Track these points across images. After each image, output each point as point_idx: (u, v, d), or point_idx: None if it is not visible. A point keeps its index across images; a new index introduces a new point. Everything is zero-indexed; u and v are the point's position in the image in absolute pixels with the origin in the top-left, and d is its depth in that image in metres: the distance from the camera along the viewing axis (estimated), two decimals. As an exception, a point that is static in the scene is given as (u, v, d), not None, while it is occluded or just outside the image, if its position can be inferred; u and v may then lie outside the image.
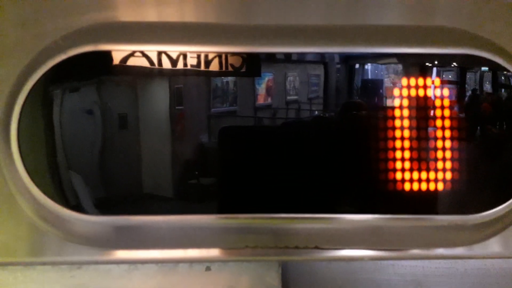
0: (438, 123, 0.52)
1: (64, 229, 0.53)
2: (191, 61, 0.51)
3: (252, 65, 0.52)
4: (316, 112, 0.54)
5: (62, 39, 0.51)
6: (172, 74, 0.52)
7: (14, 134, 0.50)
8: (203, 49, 0.51)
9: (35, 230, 0.54)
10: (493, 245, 0.57)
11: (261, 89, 0.53)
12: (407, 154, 0.52)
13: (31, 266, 0.60)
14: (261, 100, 0.53)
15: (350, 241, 0.55)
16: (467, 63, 0.53)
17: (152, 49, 0.51)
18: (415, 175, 0.52)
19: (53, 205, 0.51)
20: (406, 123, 0.52)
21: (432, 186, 0.52)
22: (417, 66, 0.53)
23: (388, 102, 0.52)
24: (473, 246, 0.56)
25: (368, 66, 0.53)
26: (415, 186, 0.52)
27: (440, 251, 0.56)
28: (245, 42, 0.51)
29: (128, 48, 0.50)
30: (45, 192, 0.51)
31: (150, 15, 0.53)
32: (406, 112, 0.52)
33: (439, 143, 0.52)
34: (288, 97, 0.53)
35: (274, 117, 0.54)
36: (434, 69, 0.52)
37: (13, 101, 0.50)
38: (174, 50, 0.51)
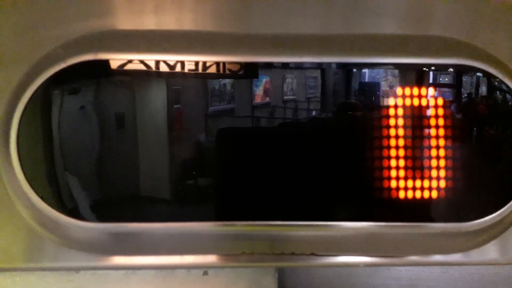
0: (433, 132, 0.52)
1: (62, 235, 0.54)
2: (189, 66, 0.52)
3: (250, 70, 0.53)
4: (313, 116, 0.54)
5: (62, 47, 0.52)
6: (170, 78, 0.52)
7: (13, 140, 0.50)
8: (201, 58, 0.51)
9: (33, 236, 0.54)
10: (489, 251, 0.57)
11: (259, 90, 0.53)
12: (402, 163, 0.53)
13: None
14: (258, 102, 0.54)
15: (346, 247, 0.55)
16: (461, 72, 0.53)
17: (151, 58, 0.51)
18: (411, 183, 0.53)
19: (52, 212, 0.52)
20: (401, 131, 0.52)
21: (426, 194, 0.53)
22: (411, 74, 0.53)
23: (383, 112, 0.52)
24: (468, 252, 0.57)
25: (364, 73, 0.54)
26: (411, 194, 0.53)
27: (436, 257, 0.57)
28: (243, 51, 0.52)
29: (126, 57, 0.51)
30: (43, 199, 0.51)
31: (149, 23, 0.54)
32: (401, 121, 0.52)
33: (434, 152, 0.53)
34: (285, 97, 0.54)
35: (272, 121, 0.54)
36: (428, 78, 0.53)
37: (13, 109, 0.50)
38: (172, 59, 0.51)
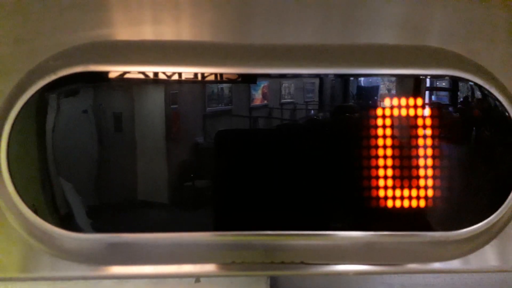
0: (427, 141, 0.53)
1: (54, 247, 0.53)
2: (186, 76, 0.52)
3: (248, 78, 0.53)
4: (308, 123, 0.54)
5: (53, 59, 0.52)
6: (167, 84, 0.52)
7: (3, 152, 0.50)
8: (198, 70, 0.51)
9: (25, 247, 0.54)
10: (487, 258, 0.57)
11: (257, 94, 0.54)
12: (390, 172, 0.53)
13: (21, 280, 0.60)
14: (256, 104, 0.54)
15: (336, 256, 0.55)
16: (451, 83, 0.53)
17: (142, 70, 0.51)
18: (402, 192, 0.53)
19: (43, 223, 0.52)
20: (390, 141, 0.53)
21: (415, 203, 0.53)
22: (403, 84, 0.53)
23: (372, 122, 0.53)
24: (463, 259, 0.57)
25: (355, 82, 0.54)
26: (405, 204, 0.53)
27: (424, 265, 0.57)
28: (240, 63, 0.52)
29: (118, 68, 0.51)
30: (34, 210, 0.51)
31: (145, 34, 0.53)
32: (392, 131, 0.53)
33: (422, 162, 0.53)
34: (282, 101, 0.54)
35: (267, 129, 0.54)
36: (418, 88, 0.53)
37: (3, 120, 0.50)
38: (165, 70, 0.51)
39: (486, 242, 0.56)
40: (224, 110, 0.53)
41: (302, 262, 0.55)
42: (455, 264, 0.57)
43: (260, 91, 0.53)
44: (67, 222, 0.52)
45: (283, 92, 0.54)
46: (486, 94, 0.53)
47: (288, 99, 0.54)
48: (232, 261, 0.55)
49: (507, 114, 0.52)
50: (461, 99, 0.53)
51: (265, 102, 0.53)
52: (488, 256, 0.57)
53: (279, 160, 0.53)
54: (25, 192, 0.51)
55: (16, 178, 0.51)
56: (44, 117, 0.52)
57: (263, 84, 0.53)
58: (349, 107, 0.54)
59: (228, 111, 0.53)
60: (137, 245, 0.54)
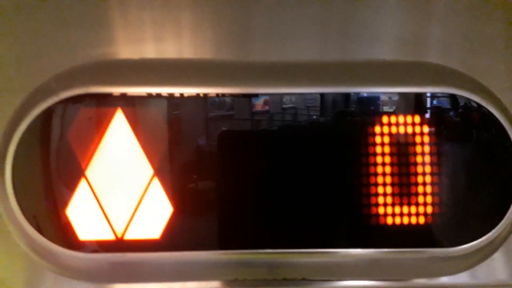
0: (425, 158, 0.53)
1: (58, 264, 0.54)
2: (188, 95, 0.53)
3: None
4: (311, 138, 0.54)
5: (54, 80, 0.52)
6: (171, 98, 0.52)
7: (8, 172, 0.51)
8: (199, 90, 0.52)
9: (30, 265, 0.55)
10: (493, 271, 0.57)
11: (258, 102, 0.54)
12: (389, 189, 0.53)
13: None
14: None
15: (339, 273, 0.56)
16: (448, 101, 0.54)
17: (144, 91, 0.52)
18: (403, 209, 0.53)
19: (47, 243, 0.52)
20: (394, 159, 0.53)
21: (414, 220, 0.53)
22: (402, 102, 0.54)
23: (370, 140, 0.53)
24: (471, 272, 0.57)
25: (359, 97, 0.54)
26: (402, 220, 0.53)
27: (422, 281, 0.57)
28: (241, 83, 0.53)
29: (119, 90, 0.52)
30: (39, 230, 0.52)
31: (147, 52, 0.54)
32: (395, 150, 0.53)
33: (427, 178, 0.53)
34: (284, 105, 0.54)
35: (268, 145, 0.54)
36: (416, 106, 0.54)
37: (8, 141, 0.51)
38: (170, 92, 0.52)
39: (488, 257, 0.56)
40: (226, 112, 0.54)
41: (304, 279, 0.55)
42: (461, 278, 0.57)
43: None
44: (71, 241, 0.53)
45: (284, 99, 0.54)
46: (483, 111, 0.53)
47: (289, 105, 0.54)
48: (235, 278, 0.55)
49: (504, 130, 0.53)
50: (459, 116, 0.54)
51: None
52: (494, 269, 0.57)
53: (281, 178, 0.54)
54: (29, 210, 0.52)
55: (20, 197, 0.52)
56: (47, 138, 0.52)
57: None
58: (349, 118, 0.54)
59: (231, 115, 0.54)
60: (140, 264, 0.54)
